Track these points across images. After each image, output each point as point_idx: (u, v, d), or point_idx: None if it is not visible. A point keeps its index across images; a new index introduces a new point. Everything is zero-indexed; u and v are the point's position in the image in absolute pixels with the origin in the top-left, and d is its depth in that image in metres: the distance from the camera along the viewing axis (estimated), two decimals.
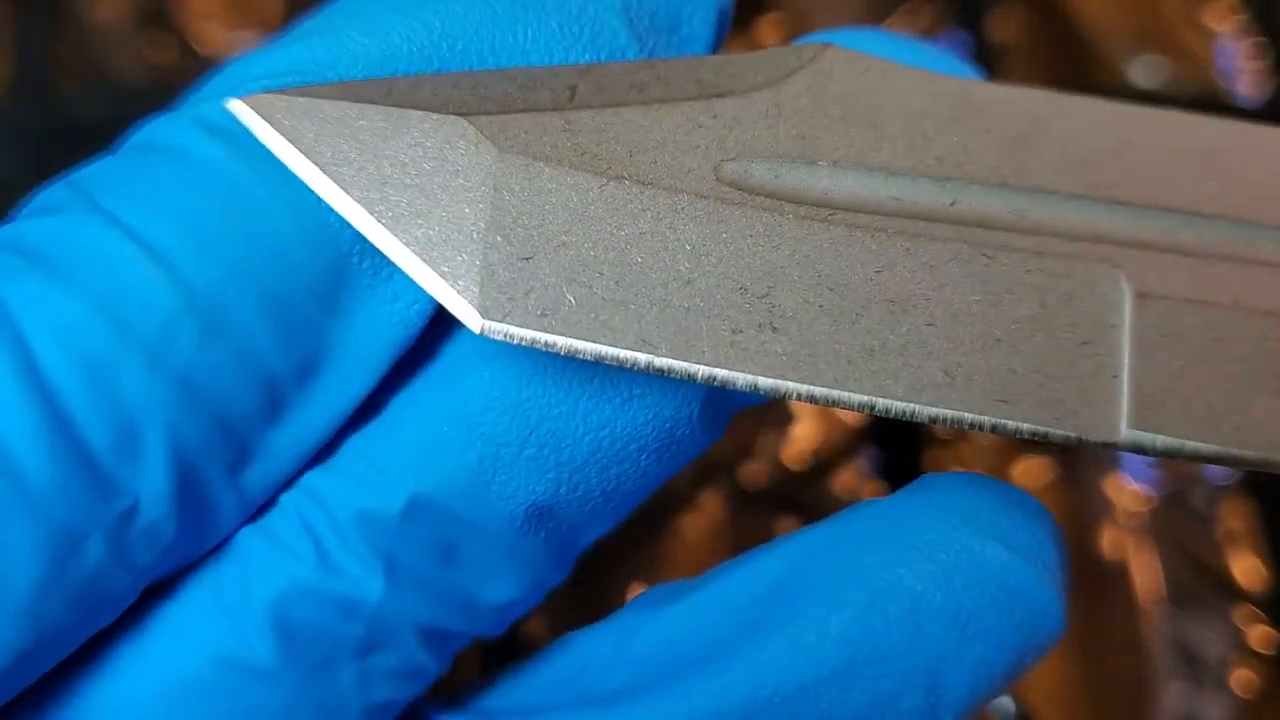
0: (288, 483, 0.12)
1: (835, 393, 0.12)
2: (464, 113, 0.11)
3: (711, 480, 0.31)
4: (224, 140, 0.11)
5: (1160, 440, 0.12)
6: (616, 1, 0.13)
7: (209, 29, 0.37)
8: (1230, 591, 0.30)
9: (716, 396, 0.13)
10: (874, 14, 0.38)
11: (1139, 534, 0.29)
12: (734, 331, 0.12)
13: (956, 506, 0.12)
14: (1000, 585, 0.12)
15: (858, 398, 0.12)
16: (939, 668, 0.12)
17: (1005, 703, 0.28)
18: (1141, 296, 0.12)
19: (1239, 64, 0.38)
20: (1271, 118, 0.37)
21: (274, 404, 0.11)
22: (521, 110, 0.11)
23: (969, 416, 0.12)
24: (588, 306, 0.11)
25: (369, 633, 0.12)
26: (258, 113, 0.11)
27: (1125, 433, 0.12)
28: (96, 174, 0.13)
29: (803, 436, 0.31)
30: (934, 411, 0.12)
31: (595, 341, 0.11)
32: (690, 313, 0.12)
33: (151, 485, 0.11)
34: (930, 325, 0.12)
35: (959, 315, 0.12)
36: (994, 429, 0.12)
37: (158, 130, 0.13)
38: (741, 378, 0.11)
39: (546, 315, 0.11)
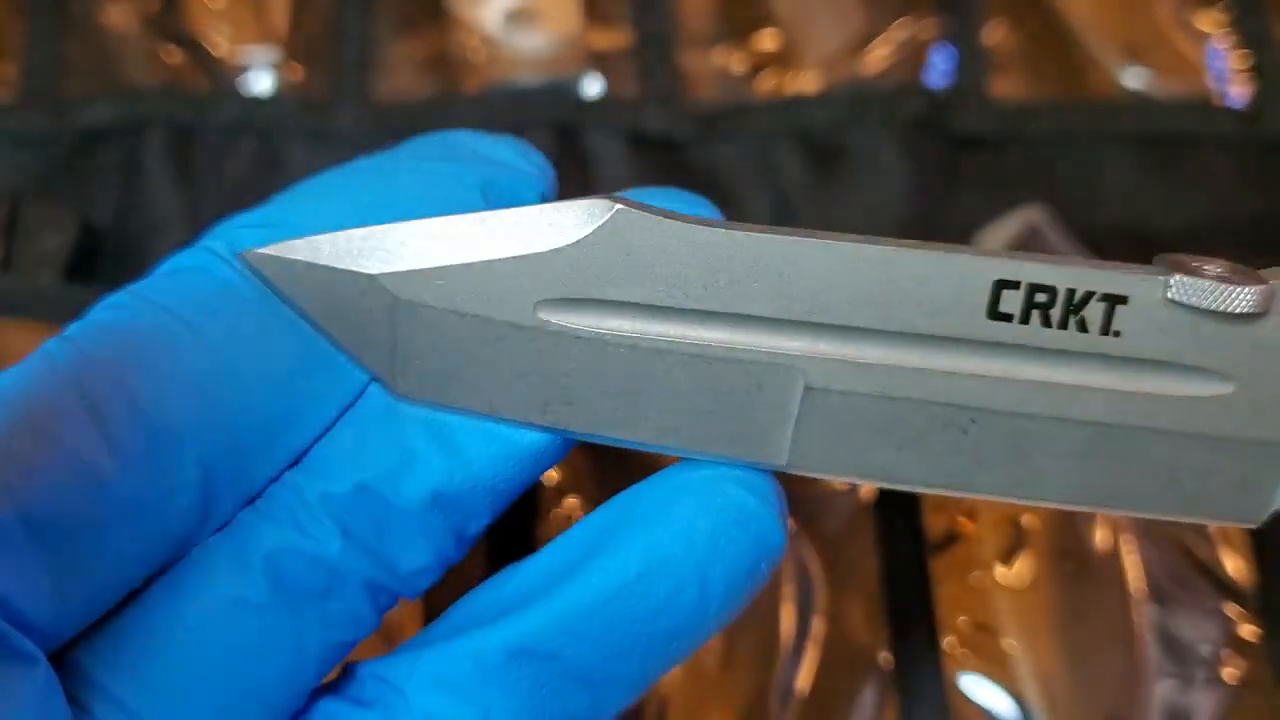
0: (269, 481, 0.18)
1: (606, 432, 0.18)
2: (373, 272, 0.18)
3: None
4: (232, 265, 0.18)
5: (807, 471, 0.19)
6: (476, 189, 0.19)
7: (218, 37, 0.38)
8: (1222, 586, 0.30)
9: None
10: (870, 27, 0.38)
11: (1130, 529, 0.30)
12: (544, 404, 0.18)
13: (715, 468, 0.18)
14: (741, 511, 0.18)
15: (619, 434, 0.18)
16: (705, 571, 0.18)
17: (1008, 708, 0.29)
18: (809, 389, 0.18)
19: (1230, 67, 0.38)
20: (1254, 121, 0.38)
21: (266, 442, 0.18)
22: (408, 268, 0.18)
23: (687, 450, 0.18)
24: (456, 387, 0.18)
25: (328, 581, 0.18)
26: (254, 261, 0.18)
27: (786, 463, 0.19)
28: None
29: None
30: (660, 443, 0.18)
31: (460, 405, 0.18)
32: (519, 391, 0.18)
33: (183, 483, 0.17)
34: (673, 399, 0.18)
35: (691, 397, 0.18)
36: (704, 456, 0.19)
37: (182, 259, 0.18)
38: (553, 431, 0.18)
39: (432, 391, 0.18)
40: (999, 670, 0.29)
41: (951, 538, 0.30)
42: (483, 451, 0.18)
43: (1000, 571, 0.30)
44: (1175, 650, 0.29)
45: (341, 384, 0.18)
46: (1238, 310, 0.18)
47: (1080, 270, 0.17)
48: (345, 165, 0.20)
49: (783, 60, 0.38)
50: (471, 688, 0.17)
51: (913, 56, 0.38)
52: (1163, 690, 0.28)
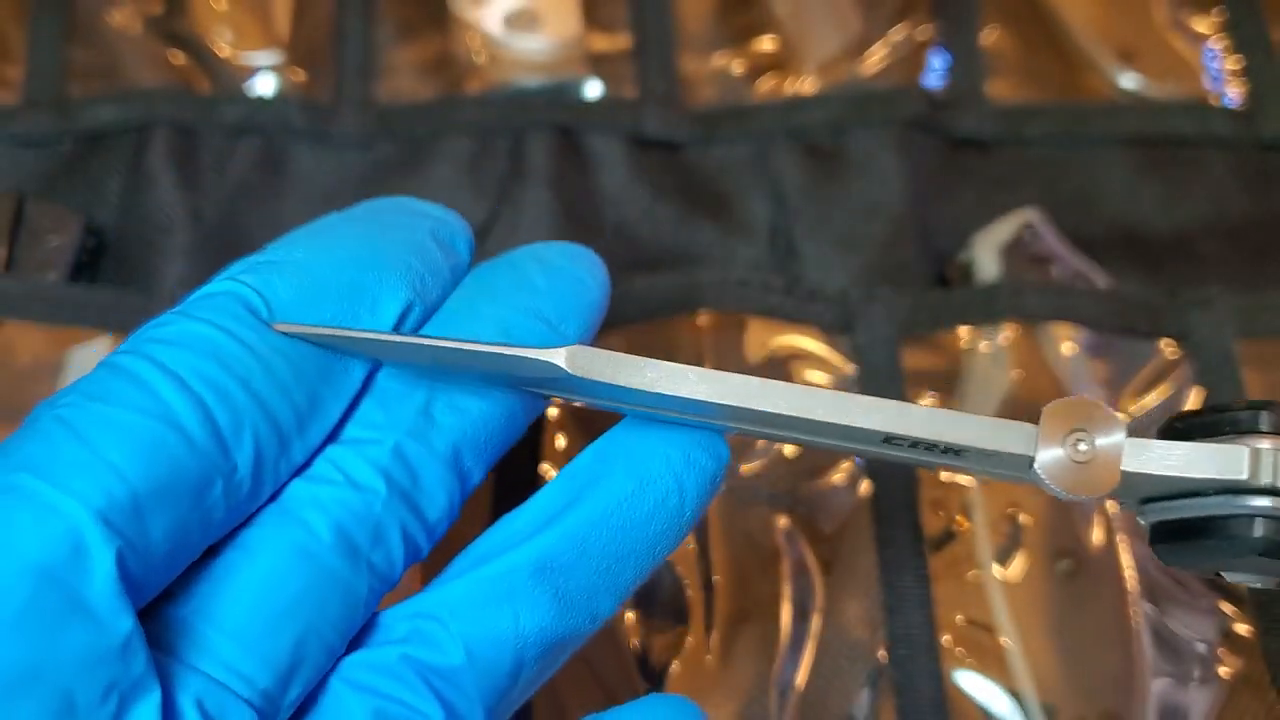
0: (315, 454, 0.21)
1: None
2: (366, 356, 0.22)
3: None
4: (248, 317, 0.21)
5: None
6: (428, 233, 0.23)
7: (221, 40, 0.38)
8: (1217, 584, 0.30)
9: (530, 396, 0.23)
10: (868, 31, 0.39)
11: (1126, 528, 0.30)
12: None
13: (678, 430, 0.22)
14: (699, 435, 0.22)
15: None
16: (682, 481, 0.22)
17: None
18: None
19: (1226, 69, 0.38)
20: (1249, 122, 0.38)
21: (301, 423, 0.21)
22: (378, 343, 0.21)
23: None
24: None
25: (375, 529, 0.20)
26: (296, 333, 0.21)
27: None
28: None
29: None
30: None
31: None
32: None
33: (243, 459, 0.20)
34: None
35: None
36: None
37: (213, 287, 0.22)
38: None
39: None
40: (995, 668, 0.29)
41: (949, 536, 0.30)
42: (478, 409, 0.22)
43: (997, 570, 0.30)
44: (1171, 648, 0.29)
45: (349, 376, 0.21)
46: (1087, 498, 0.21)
47: (957, 428, 0.20)
48: (325, 217, 0.24)
49: (781, 64, 0.38)
50: (503, 605, 0.21)
51: (910, 59, 0.38)
52: (1158, 688, 0.28)
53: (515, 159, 0.36)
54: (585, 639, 0.22)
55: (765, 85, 0.38)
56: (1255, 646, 0.29)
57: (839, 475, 0.31)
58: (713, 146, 0.37)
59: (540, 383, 0.22)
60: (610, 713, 0.21)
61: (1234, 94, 0.38)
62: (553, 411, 0.31)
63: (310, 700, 0.20)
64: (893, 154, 0.36)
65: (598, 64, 0.38)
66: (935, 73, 0.38)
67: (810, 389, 0.20)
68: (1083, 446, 0.20)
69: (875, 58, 0.38)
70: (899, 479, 0.31)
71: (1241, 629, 0.29)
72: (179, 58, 0.38)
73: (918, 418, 0.20)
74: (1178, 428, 0.22)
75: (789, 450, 0.31)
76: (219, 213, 0.35)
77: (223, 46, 0.38)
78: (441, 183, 0.36)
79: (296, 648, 0.19)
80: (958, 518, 0.30)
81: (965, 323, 0.33)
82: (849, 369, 0.32)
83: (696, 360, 0.32)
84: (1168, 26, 0.39)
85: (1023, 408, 0.31)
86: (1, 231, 0.33)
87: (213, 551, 0.20)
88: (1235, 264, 0.36)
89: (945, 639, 0.29)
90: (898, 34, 0.39)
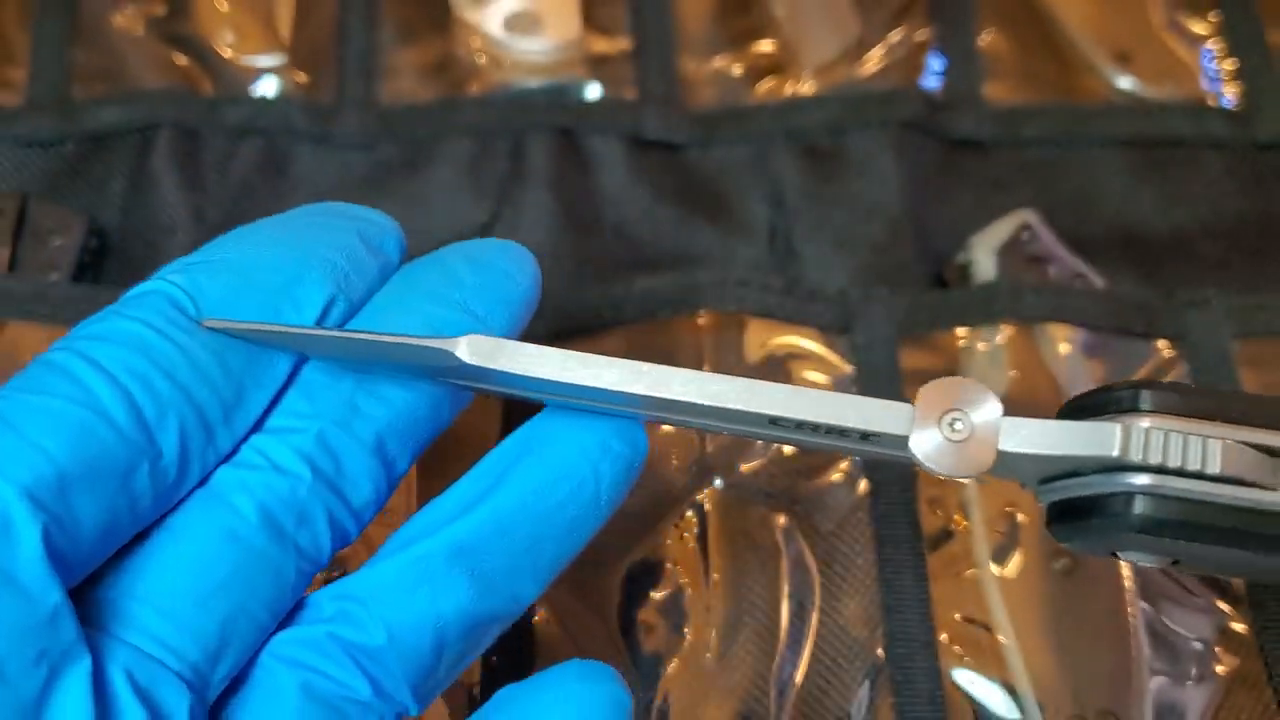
0: (241, 442, 0.22)
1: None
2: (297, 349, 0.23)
3: (709, 477, 0.31)
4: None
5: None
6: (355, 234, 0.24)
7: (223, 42, 0.38)
8: (1212, 582, 0.30)
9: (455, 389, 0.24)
10: (866, 33, 0.39)
11: None
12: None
13: (597, 419, 0.23)
14: (618, 425, 0.23)
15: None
16: (597, 469, 0.23)
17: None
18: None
19: (1223, 70, 0.38)
20: (1246, 123, 0.38)
21: (226, 413, 0.21)
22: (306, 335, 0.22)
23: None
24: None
25: (300, 513, 0.21)
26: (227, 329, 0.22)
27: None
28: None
29: None
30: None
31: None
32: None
33: (168, 445, 0.20)
34: None
35: None
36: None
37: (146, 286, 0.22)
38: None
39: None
40: (993, 666, 0.29)
41: (947, 534, 0.30)
42: (402, 399, 0.23)
43: (995, 568, 0.30)
44: (1168, 646, 0.29)
45: (274, 369, 0.22)
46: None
47: (836, 409, 0.21)
48: (257, 221, 0.24)
49: (780, 66, 0.38)
50: (421, 588, 0.21)
51: (908, 61, 0.38)
52: (1155, 686, 0.28)
53: (516, 160, 0.36)
54: (511, 620, 0.23)
55: (764, 87, 0.38)
56: (1252, 644, 0.29)
57: (837, 474, 0.31)
58: (712, 148, 0.37)
59: (450, 372, 0.22)
60: (528, 681, 0.22)
61: (1230, 95, 0.38)
62: None
63: (243, 675, 0.21)
64: (891, 155, 0.36)
65: (598, 66, 0.38)
66: (933, 74, 0.38)
67: (698, 374, 0.21)
68: (959, 426, 0.20)
69: (873, 60, 0.38)
70: (898, 478, 0.31)
71: (1238, 627, 0.29)
72: (182, 59, 0.38)
73: (799, 400, 0.21)
74: (1070, 408, 0.22)
75: (788, 449, 0.31)
76: (222, 213, 0.35)
77: (225, 48, 0.38)
78: (442, 184, 0.36)
79: (226, 624, 0.20)
80: (956, 516, 0.31)
81: (963, 323, 0.33)
82: (847, 369, 0.32)
83: (696, 361, 0.32)
84: (1164, 28, 0.39)
85: (1021, 408, 0.31)
86: (5, 232, 0.33)
87: (143, 536, 0.21)
88: (1232, 264, 0.36)
89: (943, 637, 0.29)
90: (896, 36, 0.39)
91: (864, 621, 0.29)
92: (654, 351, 0.32)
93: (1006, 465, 0.21)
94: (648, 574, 0.30)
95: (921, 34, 0.39)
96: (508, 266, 0.25)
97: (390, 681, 0.21)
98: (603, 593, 0.30)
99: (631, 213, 0.36)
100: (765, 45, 0.39)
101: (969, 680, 0.29)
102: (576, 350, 0.21)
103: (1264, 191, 0.37)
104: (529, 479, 0.22)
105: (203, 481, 0.21)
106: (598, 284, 0.34)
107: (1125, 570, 0.29)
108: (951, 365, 0.33)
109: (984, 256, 0.34)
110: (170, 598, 0.20)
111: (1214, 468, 0.20)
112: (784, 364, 0.32)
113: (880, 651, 0.29)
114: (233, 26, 0.38)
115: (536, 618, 0.30)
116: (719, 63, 0.39)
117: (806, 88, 0.38)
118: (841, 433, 0.21)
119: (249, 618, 0.21)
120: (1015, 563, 0.30)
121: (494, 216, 0.35)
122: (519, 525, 0.22)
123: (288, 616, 0.22)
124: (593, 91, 0.38)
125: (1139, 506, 0.20)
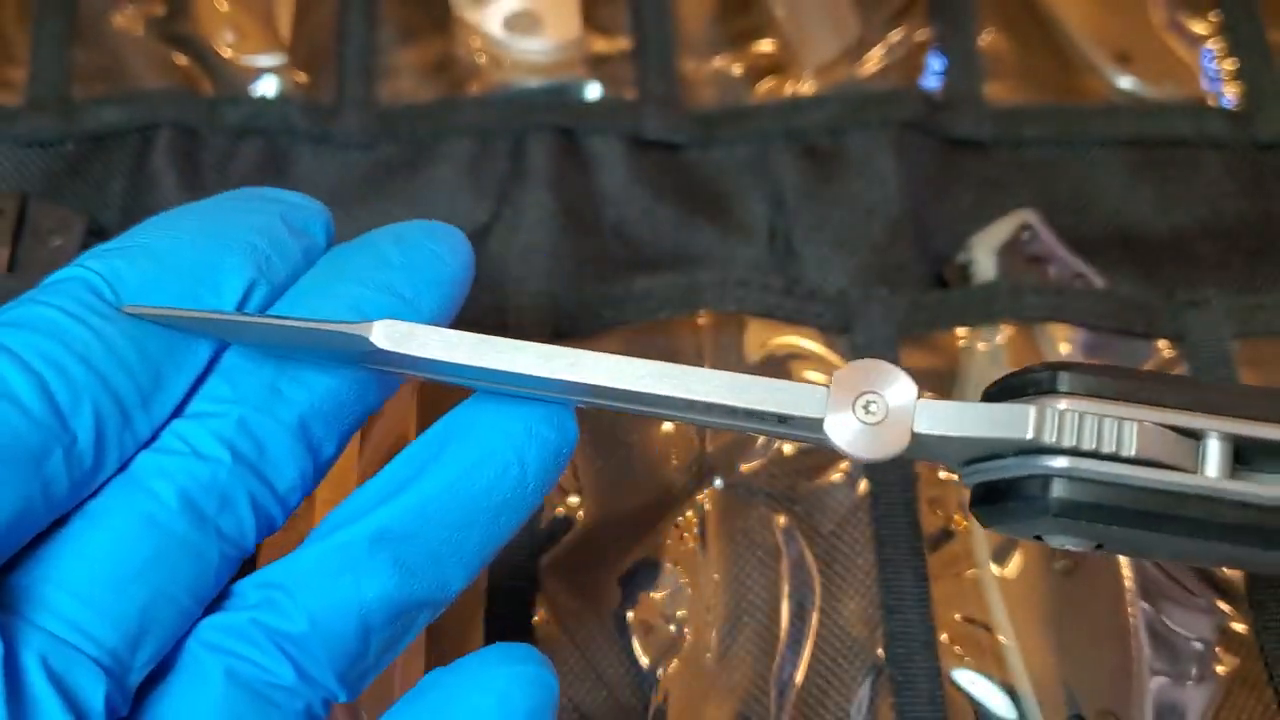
0: (161, 428, 0.22)
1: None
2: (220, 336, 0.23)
3: (709, 477, 0.31)
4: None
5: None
6: (278, 217, 0.24)
7: (223, 42, 0.38)
8: (1213, 582, 0.30)
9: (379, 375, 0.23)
10: (866, 33, 0.39)
11: None
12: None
13: (525, 405, 0.23)
14: (547, 411, 0.23)
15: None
16: (523, 455, 0.22)
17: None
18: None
19: (1223, 70, 0.38)
20: (1246, 124, 0.38)
21: (144, 397, 0.21)
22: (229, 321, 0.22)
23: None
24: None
25: (221, 497, 0.21)
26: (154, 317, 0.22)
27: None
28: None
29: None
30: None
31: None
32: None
33: (83, 431, 0.20)
34: None
35: None
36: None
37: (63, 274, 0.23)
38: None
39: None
40: (993, 666, 0.29)
41: (947, 534, 0.30)
42: (325, 384, 0.23)
43: (995, 568, 0.30)
44: (1168, 646, 0.29)
45: (195, 355, 0.22)
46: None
47: (751, 392, 0.20)
48: (178, 207, 0.25)
49: (780, 66, 0.38)
50: (344, 574, 0.21)
51: (908, 61, 0.38)
52: (1156, 686, 0.28)
53: (516, 160, 0.36)
54: (441, 606, 0.23)
55: (764, 87, 0.38)
56: (1252, 645, 0.29)
57: (838, 474, 0.31)
58: (712, 148, 0.37)
59: (370, 357, 0.22)
60: (454, 664, 0.22)
61: (1231, 95, 0.38)
62: None
63: (167, 661, 0.21)
64: (891, 155, 0.36)
65: (598, 66, 0.38)
66: (933, 74, 0.38)
67: (611, 358, 0.21)
68: (874, 408, 0.20)
69: (873, 60, 0.38)
70: (898, 478, 0.31)
71: (1238, 627, 0.29)
72: (182, 59, 0.38)
73: (713, 382, 0.20)
74: (993, 390, 0.22)
75: (788, 449, 0.31)
76: None
77: (225, 48, 0.38)
78: (442, 184, 0.36)
79: (146, 610, 0.20)
80: (956, 516, 0.31)
81: (963, 323, 0.33)
82: None
83: (697, 361, 0.32)
84: (1165, 28, 0.39)
85: None
86: (5, 232, 0.33)
87: (61, 523, 0.21)
88: (1231, 264, 0.36)
89: (943, 637, 0.29)
90: (896, 36, 0.39)
91: (864, 621, 0.29)
92: (654, 351, 0.32)
93: (926, 448, 0.21)
94: (648, 574, 0.30)
95: (921, 34, 0.39)
96: (437, 248, 0.24)
97: (315, 667, 0.21)
98: (603, 593, 0.30)
99: (631, 213, 0.36)
100: (765, 45, 0.39)
101: (969, 680, 0.29)
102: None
103: (1264, 191, 0.37)
104: (453, 465, 0.22)
105: (122, 468, 0.21)
106: (598, 284, 0.34)
107: (1125, 570, 0.29)
108: (951, 365, 0.33)
109: (984, 256, 0.34)
110: (87, 583, 0.20)
111: (1130, 450, 0.19)
112: (784, 364, 0.32)
113: (880, 651, 0.29)
114: (232, 26, 0.38)
115: (536, 618, 0.30)
116: (719, 63, 0.39)
117: (806, 88, 0.38)
118: (759, 416, 0.21)
119: (170, 603, 0.21)
120: (1015, 563, 0.30)
121: (494, 216, 0.35)
122: (443, 511, 0.22)
123: (213, 603, 0.22)
124: (593, 91, 0.38)
125: (1056, 489, 0.20)
